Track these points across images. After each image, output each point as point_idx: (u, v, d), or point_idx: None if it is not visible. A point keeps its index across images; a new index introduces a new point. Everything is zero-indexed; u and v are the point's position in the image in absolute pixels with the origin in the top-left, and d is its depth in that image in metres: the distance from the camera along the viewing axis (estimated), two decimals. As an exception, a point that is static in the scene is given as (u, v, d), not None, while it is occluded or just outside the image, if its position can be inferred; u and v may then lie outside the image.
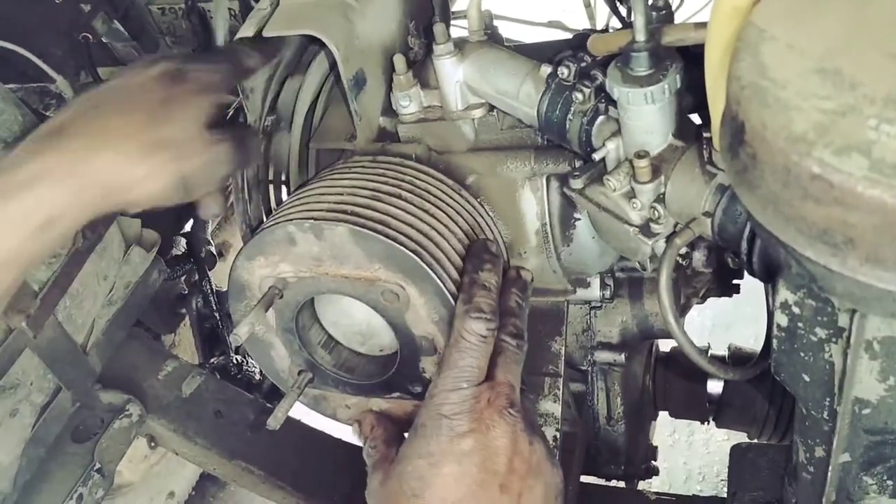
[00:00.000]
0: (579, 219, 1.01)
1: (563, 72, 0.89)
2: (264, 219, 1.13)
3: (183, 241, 1.93)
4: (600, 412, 1.37)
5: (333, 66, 1.08)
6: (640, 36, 0.76)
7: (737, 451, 1.21)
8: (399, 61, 1.00)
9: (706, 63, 0.67)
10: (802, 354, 0.72)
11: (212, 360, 1.99)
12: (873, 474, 0.78)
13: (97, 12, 1.54)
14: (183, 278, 1.92)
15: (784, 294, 0.69)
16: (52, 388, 1.42)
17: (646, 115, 0.80)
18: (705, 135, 0.78)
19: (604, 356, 1.27)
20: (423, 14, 1.14)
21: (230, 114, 1.05)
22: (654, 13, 0.84)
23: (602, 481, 1.49)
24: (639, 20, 0.76)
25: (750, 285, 1.01)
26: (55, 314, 1.34)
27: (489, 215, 1.01)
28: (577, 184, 0.88)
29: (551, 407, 1.02)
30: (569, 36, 1.09)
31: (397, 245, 0.85)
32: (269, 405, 1.67)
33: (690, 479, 2.47)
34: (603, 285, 1.10)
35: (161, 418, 1.58)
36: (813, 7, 0.59)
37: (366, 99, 1.02)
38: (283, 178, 1.17)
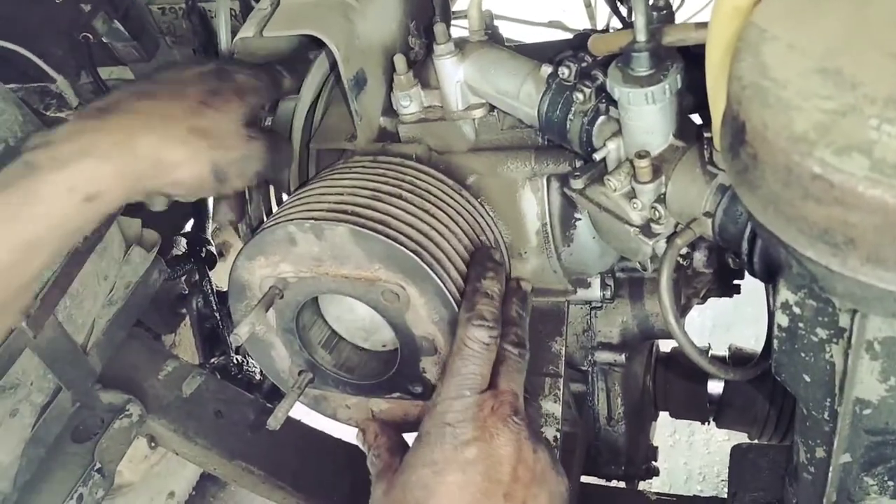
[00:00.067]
0: (580, 219, 1.01)
1: (564, 72, 0.89)
2: (265, 219, 1.13)
3: (183, 241, 1.93)
4: (601, 412, 1.37)
5: (334, 66, 1.08)
6: (641, 36, 0.76)
7: (737, 452, 1.21)
8: (399, 61, 1.00)
9: (707, 63, 0.67)
10: (803, 355, 0.72)
11: (212, 361, 1.99)
12: (874, 475, 0.78)
13: (97, 12, 1.54)
14: (183, 278, 1.92)
15: (785, 294, 0.69)
16: (53, 388, 1.42)
17: (646, 115, 0.80)
18: (706, 135, 0.77)
19: (604, 356, 1.27)
20: (423, 14, 1.14)
21: (268, 126, 1.09)
22: (654, 13, 0.84)
23: (602, 481, 1.49)
24: (639, 20, 0.75)
25: (750, 285, 1.01)
26: (55, 314, 1.34)
27: (489, 215, 1.01)
28: (577, 184, 0.88)
29: (552, 407, 1.02)
30: (569, 36, 1.09)
31: (397, 245, 0.85)
32: (269, 405, 1.67)
33: (691, 480, 2.47)
34: (603, 285, 1.10)
35: (161, 418, 1.58)
36: (814, 7, 0.59)
37: (366, 99, 1.02)
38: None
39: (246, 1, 1.34)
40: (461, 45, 0.99)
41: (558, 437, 1.02)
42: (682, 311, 1.19)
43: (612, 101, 0.85)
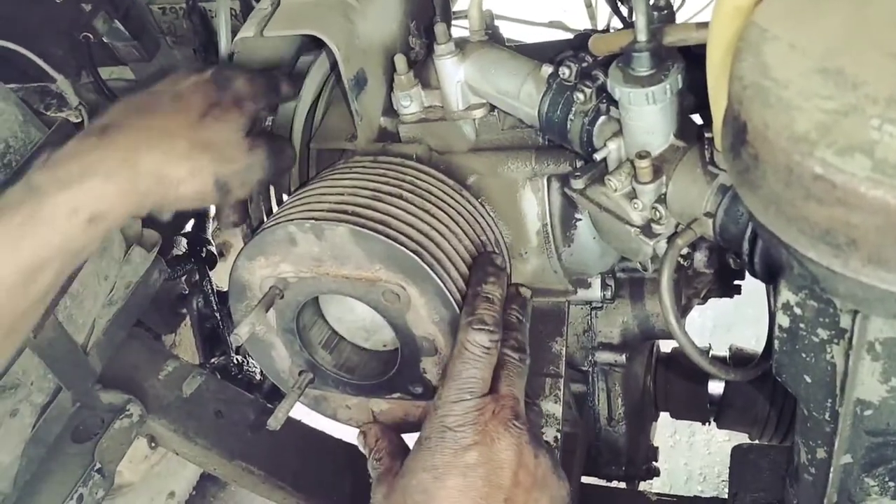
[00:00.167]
0: (580, 219, 1.01)
1: (565, 72, 0.89)
2: (265, 219, 1.13)
3: (183, 241, 1.93)
4: (601, 413, 1.37)
5: (334, 65, 1.08)
6: (642, 36, 0.76)
7: (738, 452, 1.20)
8: (400, 61, 1.00)
9: (708, 63, 0.67)
10: (804, 355, 0.72)
11: (212, 361, 1.99)
12: (875, 476, 0.78)
13: (98, 12, 1.54)
14: (184, 278, 1.92)
15: (786, 295, 0.69)
16: (53, 388, 1.42)
17: (647, 115, 0.80)
18: (707, 135, 0.77)
19: (605, 357, 1.27)
20: (424, 14, 1.14)
21: (268, 126, 1.08)
22: (655, 13, 0.84)
23: (603, 482, 1.49)
24: (640, 20, 0.75)
25: (751, 286, 1.01)
26: (55, 314, 1.34)
27: (490, 216, 1.01)
28: (578, 184, 0.88)
29: (552, 408, 1.02)
30: (570, 36, 1.09)
31: (398, 245, 0.84)
32: (269, 405, 1.67)
33: (691, 480, 2.47)
34: (604, 286, 1.10)
35: (161, 418, 1.58)
36: (814, 7, 0.59)
37: (367, 99, 1.02)
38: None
39: (246, 1, 1.34)
40: (462, 45, 0.99)
41: (559, 437, 1.02)
42: (683, 311, 1.19)
43: (613, 102, 0.85)
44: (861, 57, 0.54)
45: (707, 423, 1.51)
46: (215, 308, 1.96)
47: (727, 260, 0.96)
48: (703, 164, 0.80)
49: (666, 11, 0.86)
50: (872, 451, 0.75)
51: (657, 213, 0.84)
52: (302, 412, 1.12)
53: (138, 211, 0.87)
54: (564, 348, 1.07)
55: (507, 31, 1.15)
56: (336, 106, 1.13)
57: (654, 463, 1.55)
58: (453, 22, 1.23)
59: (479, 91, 0.99)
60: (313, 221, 0.86)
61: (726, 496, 1.24)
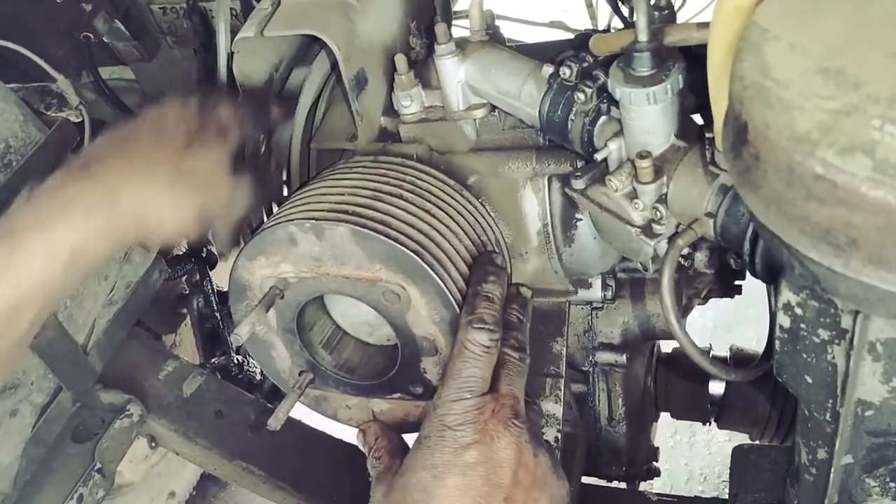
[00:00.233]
0: (581, 219, 1.01)
1: (565, 72, 0.89)
2: (265, 219, 1.13)
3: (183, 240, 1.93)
4: (602, 413, 1.37)
5: (335, 65, 1.08)
6: (643, 36, 0.76)
7: (739, 453, 1.20)
8: (400, 61, 1.00)
9: (709, 63, 0.67)
10: (805, 356, 0.72)
11: (213, 361, 1.99)
12: (876, 476, 0.78)
13: (98, 12, 1.53)
14: (184, 278, 1.92)
15: (787, 295, 0.69)
16: (53, 388, 1.42)
17: (648, 115, 0.80)
18: (708, 135, 0.77)
19: (605, 357, 1.27)
20: (424, 14, 1.14)
21: (262, 143, 1.08)
22: (656, 13, 0.84)
23: (603, 482, 1.49)
24: (641, 20, 0.75)
25: (752, 286, 1.01)
26: (56, 314, 1.34)
27: (490, 216, 1.00)
28: (578, 184, 0.88)
29: (553, 408, 1.02)
30: (571, 36, 1.09)
31: (398, 245, 0.84)
32: (269, 405, 1.67)
33: (692, 481, 2.47)
34: (604, 286, 1.10)
35: (162, 418, 1.58)
36: (815, 7, 0.59)
37: (367, 99, 1.02)
38: (284, 178, 1.17)
39: (247, 0, 1.34)
40: (462, 45, 0.99)
41: (559, 437, 1.02)
42: (684, 311, 1.19)
43: (614, 102, 0.85)
44: (862, 57, 0.54)
45: (708, 424, 1.51)
46: (215, 308, 1.96)
47: (728, 260, 0.95)
48: (703, 164, 0.80)
49: (667, 11, 0.86)
50: (873, 451, 0.75)
51: (658, 213, 0.83)
52: (302, 412, 1.12)
53: (119, 246, 0.87)
54: (565, 348, 1.07)
55: (508, 31, 1.15)
56: (336, 106, 1.13)
57: (654, 463, 1.55)
58: (454, 22, 1.23)
59: (479, 91, 0.99)
60: (314, 221, 0.86)
61: (727, 497, 1.24)
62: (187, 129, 0.92)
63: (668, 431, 2.52)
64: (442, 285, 0.85)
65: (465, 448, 0.78)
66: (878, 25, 0.56)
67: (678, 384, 1.48)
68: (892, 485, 0.77)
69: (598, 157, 0.87)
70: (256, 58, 1.08)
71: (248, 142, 1.01)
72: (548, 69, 0.91)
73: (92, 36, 1.55)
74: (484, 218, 0.99)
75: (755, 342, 1.65)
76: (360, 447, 0.95)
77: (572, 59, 0.90)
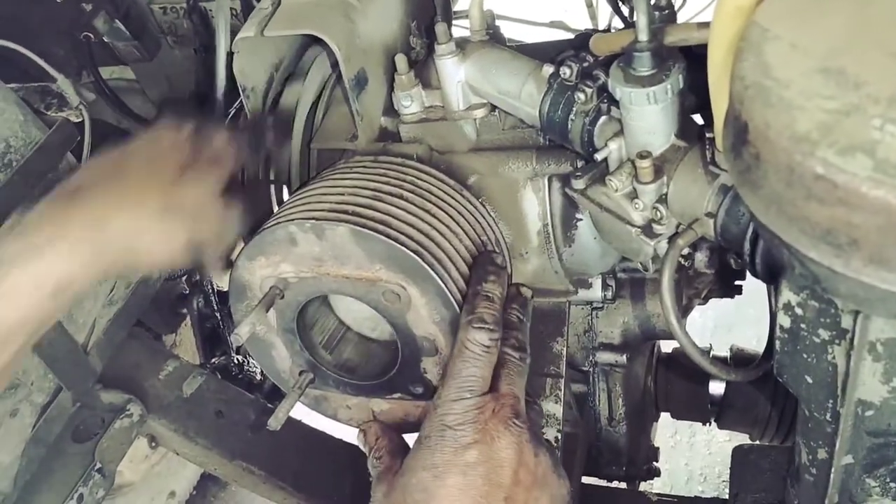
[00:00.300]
0: (581, 219, 1.01)
1: (566, 72, 0.89)
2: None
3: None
4: (602, 413, 1.37)
5: (335, 65, 1.08)
6: (643, 36, 0.76)
7: (739, 453, 1.20)
8: (401, 61, 1.00)
9: (709, 63, 0.67)
10: (805, 356, 0.72)
11: (213, 361, 1.99)
12: (876, 476, 0.78)
13: (98, 12, 1.54)
14: (184, 278, 1.92)
15: (787, 295, 0.69)
16: (53, 388, 1.42)
17: (648, 115, 0.80)
18: (708, 135, 0.77)
19: (605, 357, 1.27)
20: (424, 14, 1.14)
21: (258, 174, 1.08)
22: (656, 13, 0.84)
23: (604, 482, 1.49)
24: (641, 20, 0.75)
25: (752, 286, 1.01)
26: (56, 314, 1.34)
27: (491, 216, 1.00)
28: (578, 184, 0.88)
29: (553, 408, 1.02)
30: (571, 36, 1.09)
31: (398, 245, 0.84)
32: (270, 405, 1.67)
33: (692, 481, 2.46)
34: (605, 286, 1.10)
35: (162, 418, 1.58)
36: (816, 6, 0.59)
37: (367, 99, 1.02)
38: (285, 178, 1.17)
39: (247, 0, 1.34)
40: (462, 45, 0.98)
41: (559, 437, 1.02)
42: (684, 311, 1.19)
43: (614, 102, 0.85)
44: (863, 57, 0.54)
45: (708, 424, 1.51)
46: (216, 308, 1.96)
47: (728, 260, 0.95)
48: (704, 164, 0.80)
49: (667, 11, 0.86)
50: (874, 451, 0.75)
51: (658, 213, 0.83)
52: (302, 412, 1.12)
53: (108, 276, 0.86)
54: (565, 348, 1.07)
55: (508, 31, 1.15)
56: (337, 106, 1.13)
57: (654, 463, 1.55)
58: (454, 22, 1.23)
59: (479, 91, 0.99)
60: (314, 221, 0.86)
61: (727, 497, 1.24)
62: (179, 157, 0.91)
63: (668, 431, 2.52)
64: (442, 285, 0.85)
65: (465, 448, 0.78)
66: (879, 25, 0.56)
67: (678, 384, 1.48)
68: (892, 485, 0.77)
69: (599, 156, 0.87)
70: (257, 58, 1.08)
71: (246, 167, 1.00)
72: (548, 69, 0.91)
73: (92, 36, 1.55)
74: (484, 218, 0.99)
75: (755, 342, 1.66)
76: (361, 447, 0.95)
77: (572, 58, 0.90)
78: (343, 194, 0.91)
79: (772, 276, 0.77)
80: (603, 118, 0.89)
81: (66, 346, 1.39)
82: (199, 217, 0.90)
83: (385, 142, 1.05)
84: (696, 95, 0.83)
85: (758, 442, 1.44)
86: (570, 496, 0.83)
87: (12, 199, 1.17)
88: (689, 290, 1.19)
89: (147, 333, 1.81)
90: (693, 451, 2.52)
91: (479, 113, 1.00)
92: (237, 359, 2.02)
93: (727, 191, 0.78)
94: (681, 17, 0.91)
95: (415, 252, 0.85)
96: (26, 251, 0.81)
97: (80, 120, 1.48)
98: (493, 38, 1.02)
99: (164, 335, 2.01)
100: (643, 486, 1.56)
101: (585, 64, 0.90)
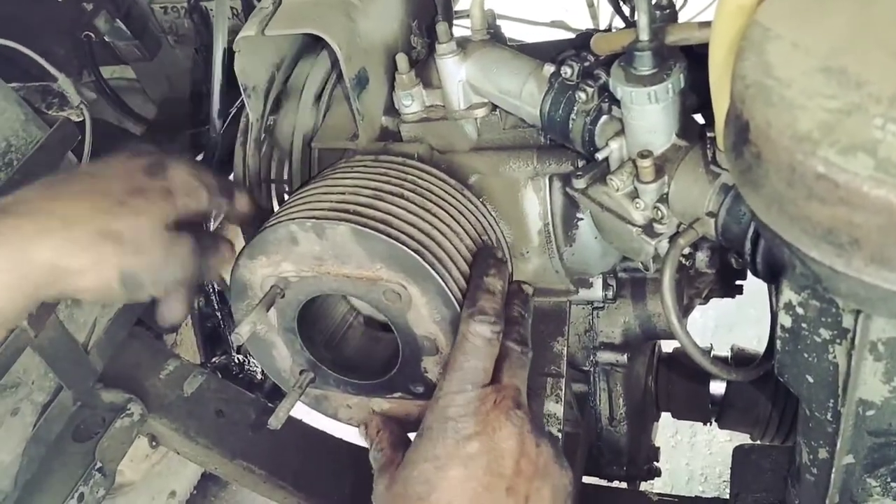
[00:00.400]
0: (582, 219, 1.01)
1: (567, 71, 0.89)
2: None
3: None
4: (602, 413, 1.37)
5: (336, 65, 1.08)
6: (644, 35, 0.76)
7: (740, 453, 1.20)
8: (402, 60, 1.00)
9: (710, 62, 0.67)
10: (806, 355, 0.72)
11: (213, 360, 1.99)
12: (877, 476, 0.77)
13: (99, 11, 1.54)
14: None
15: (788, 295, 0.69)
16: (54, 387, 1.42)
17: (649, 114, 0.80)
18: (709, 134, 0.77)
19: (606, 357, 1.26)
20: (425, 13, 1.14)
21: (215, 222, 1.03)
22: (657, 12, 0.84)
23: (604, 482, 1.49)
24: (642, 19, 0.75)
25: (753, 286, 1.01)
26: (56, 313, 1.34)
27: (491, 215, 1.00)
28: (579, 184, 0.88)
29: (553, 407, 1.02)
30: (572, 35, 1.09)
31: (399, 244, 0.84)
32: (270, 405, 1.67)
33: (693, 481, 2.46)
34: (605, 285, 1.10)
35: (162, 417, 1.58)
36: (818, 6, 0.59)
37: (368, 98, 1.02)
38: (285, 177, 1.17)
39: (248, -1, 1.34)
40: (463, 45, 0.98)
41: (560, 437, 1.01)
42: (685, 311, 1.19)
43: (615, 101, 0.84)
44: (865, 56, 0.54)
45: (709, 424, 1.51)
46: (216, 307, 1.96)
47: (729, 260, 0.95)
48: (705, 163, 0.80)
49: (668, 10, 0.86)
50: (874, 451, 0.75)
51: (659, 212, 0.83)
52: (303, 411, 1.12)
53: (35, 302, 0.81)
54: (566, 348, 1.06)
55: (509, 30, 1.15)
56: (337, 105, 1.13)
57: (655, 463, 1.55)
58: (455, 21, 1.23)
59: (480, 90, 0.98)
60: (315, 220, 0.86)
61: (728, 497, 1.24)
62: (128, 185, 0.87)
63: (669, 431, 2.53)
64: (443, 284, 0.85)
65: (467, 439, 0.78)
66: (881, 25, 0.56)
67: (679, 384, 1.48)
68: (893, 485, 0.77)
69: (600, 156, 0.87)
70: (257, 57, 1.08)
71: (211, 211, 0.95)
72: (549, 68, 0.91)
73: (93, 35, 1.56)
74: (485, 217, 0.99)
75: (756, 342, 1.66)
76: (362, 440, 0.96)
77: (573, 58, 0.90)
78: (344, 193, 0.91)
79: (773, 275, 0.77)
80: (604, 117, 0.89)
81: (67, 345, 1.39)
82: (136, 248, 0.84)
83: (386, 141, 1.05)
84: (697, 95, 0.83)
85: (759, 442, 1.44)
86: (573, 485, 0.83)
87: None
88: (690, 289, 1.19)
89: (148, 333, 1.81)
90: (694, 451, 2.52)
91: (479, 112, 1.00)
92: (238, 358, 2.02)
93: (728, 190, 0.78)
94: (682, 17, 0.91)
95: (415, 251, 0.85)
96: None
97: (80, 119, 1.48)
98: (494, 37, 1.02)
99: (164, 334, 2.01)
100: (644, 486, 1.56)
101: (586, 63, 0.89)
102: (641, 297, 1.23)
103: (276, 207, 1.17)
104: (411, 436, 0.86)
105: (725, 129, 0.64)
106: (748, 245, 0.77)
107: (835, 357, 0.69)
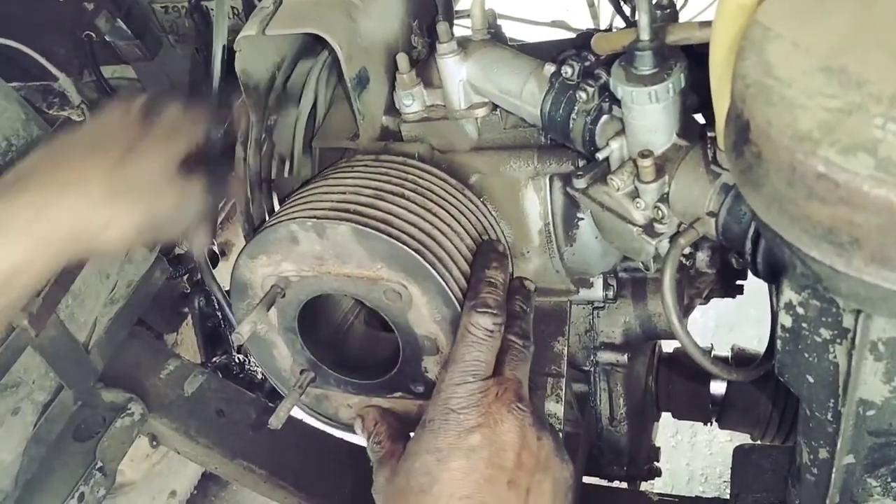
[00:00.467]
0: (582, 218, 1.01)
1: (567, 71, 0.89)
2: (266, 217, 1.13)
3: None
4: (603, 413, 1.36)
5: (336, 64, 1.08)
6: (645, 35, 0.76)
7: (740, 453, 1.20)
8: (402, 60, 1.00)
9: (711, 61, 0.67)
10: (806, 355, 0.72)
11: (214, 360, 1.99)
12: (877, 476, 0.77)
13: (100, 11, 1.54)
14: (185, 277, 1.92)
15: (788, 294, 0.69)
16: (54, 387, 1.42)
17: (650, 114, 0.80)
18: (709, 134, 0.77)
19: (606, 357, 1.26)
20: (426, 13, 1.14)
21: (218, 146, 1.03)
22: (658, 12, 0.84)
23: (604, 482, 1.49)
24: (643, 19, 0.75)
25: (754, 286, 1.01)
26: (57, 312, 1.34)
27: (492, 215, 1.00)
28: (580, 183, 0.88)
29: (554, 407, 1.02)
30: (572, 35, 1.09)
31: (400, 244, 0.84)
32: (270, 404, 1.67)
33: (693, 481, 2.46)
34: (606, 285, 1.10)
35: (163, 417, 1.58)
36: (818, 5, 0.59)
37: (369, 98, 1.02)
38: (286, 176, 1.16)
39: (248, -1, 1.34)
40: (464, 44, 0.98)
41: (560, 437, 1.01)
42: (685, 311, 1.19)
43: (616, 101, 0.84)
44: (865, 56, 0.54)
45: (709, 424, 1.51)
46: (217, 307, 1.96)
47: (729, 259, 0.95)
48: (705, 163, 0.80)
49: (669, 10, 0.86)
50: (875, 451, 0.75)
51: (659, 212, 0.83)
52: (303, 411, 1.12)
53: (62, 261, 0.83)
54: (566, 348, 1.06)
55: (510, 30, 1.15)
56: (338, 105, 1.13)
57: (655, 463, 1.55)
58: (456, 21, 1.23)
59: (481, 90, 0.98)
60: (315, 220, 0.86)
61: (728, 497, 1.24)
62: (127, 136, 0.88)
63: (669, 431, 2.52)
64: (443, 284, 0.85)
65: (468, 431, 0.78)
66: (881, 25, 0.56)
67: (679, 384, 1.48)
68: (893, 485, 0.77)
69: (600, 156, 0.87)
70: (258, 57, 1.08)
71: (206, 140, 0.95)
72: (549, 68, 0.91)
73: (94, 35, 1.56)
74: (485, 217, 0.99)
75: (757, 342, 1.66)
76: (359, 433, 0.95)
77: (574, 58, 0.90)
78: (345, 193, 0.91)
79: (773, 275, 0.77)
80: (604, 117, 0.89)
81: (68, 344, 1.39)
82: (150, 195, 0.86)
83: (386, 141, 1.05)
84: (697, 94, 0.83)
85: (759, 442, 1.44)
86: (573, 478, 0.83)
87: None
88: (691, 289, 1.19)
89: (148, 332, 1.82)
90: (694, 451, 2.52)
91: (480, 112, 1.00)
92: (238, 358, 2.02)
93: (729, 190, 0.78)
94: (683, 16, 0.91)
95: (416, 251, 0.85)
96: None
97: (81, 119, 1.48)
98: (495, 37, 1.02)
99: (165, 334, 2.01)
100: (644, 486, 1.56)
101: (587, 63, 0.89)
102: (642, 296, 1.23)
103: (276, 207, 1.17)
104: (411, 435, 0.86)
105: (726, 128, 0.64)
106: (749, 245, 0.77)
107: (835, 357, 0.69)
